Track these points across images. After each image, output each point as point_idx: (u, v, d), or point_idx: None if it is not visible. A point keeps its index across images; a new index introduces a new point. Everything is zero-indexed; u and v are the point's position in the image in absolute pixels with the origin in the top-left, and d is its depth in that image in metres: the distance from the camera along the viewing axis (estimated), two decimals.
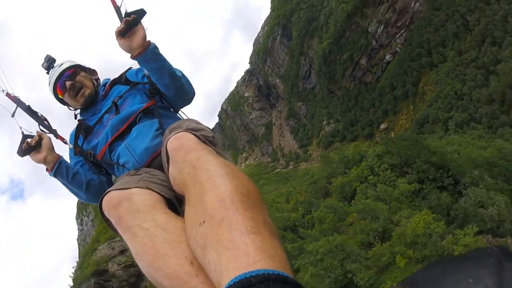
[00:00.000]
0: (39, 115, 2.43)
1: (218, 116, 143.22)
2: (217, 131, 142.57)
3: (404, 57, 71.69)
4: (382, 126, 78.01)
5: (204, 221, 1.07)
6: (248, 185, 1.18)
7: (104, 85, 2.55)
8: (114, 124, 2.17)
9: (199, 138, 1.59)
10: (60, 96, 2.53)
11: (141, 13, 2.02)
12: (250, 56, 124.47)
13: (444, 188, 22.97)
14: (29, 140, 2.23)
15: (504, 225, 19.23)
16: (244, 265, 0.87)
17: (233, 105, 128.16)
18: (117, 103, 2.29)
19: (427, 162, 23.95)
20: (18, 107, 2.35)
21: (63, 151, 2.44)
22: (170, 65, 2.15)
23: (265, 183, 78.33)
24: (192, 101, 2.38)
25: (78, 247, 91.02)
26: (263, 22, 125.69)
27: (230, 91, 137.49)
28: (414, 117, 67.12)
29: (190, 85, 2.28)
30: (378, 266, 17.43)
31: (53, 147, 2.29)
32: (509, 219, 19.39)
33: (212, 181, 1.17)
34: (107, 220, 1.56)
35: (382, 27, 74.25)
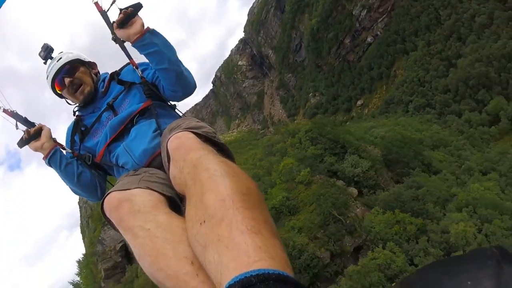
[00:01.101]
0: (36, 125, 2.37)
1: (212, 83, 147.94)
2: (211, 98, 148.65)
3: (382, 41, 78.04)
4: (359, 102, 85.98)
5: (204, 221, 1.07)
6: (248, 184, 1.18)
7: (104, 80, 2.52)
8: (113, 125, 2.18)
9: (200, 136, 1.62)
10: (58, 91, 2.48)
11: (138, 6, 2.10)
12: (245, 26, 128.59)
13: (336, 154, 35.16)
14: (30, 129, 2.26)
15: (368, 180, 32.07)
16: (244, 264, 0.87)
17: (227, 73, 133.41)
18: (113, 104, 2.30)
19: (327, 137, 36.66)
20: (17, 122, 2.35)
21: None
22: (171, 50, 2.15)
23: (251, 149, 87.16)
24: (193, 93, 2.34)
25: (80, 209, 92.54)
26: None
27: (224, 57, 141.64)
28: (385, 97, 74.99)
29: (191, 74, 2.26)
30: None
31: (51, 136, 2.30)
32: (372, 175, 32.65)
33: (213, 180, 1.18)
34: (109, 221, 1.58)
35: (365, 11, 79.81)
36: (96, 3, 2.23)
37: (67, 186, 2.41)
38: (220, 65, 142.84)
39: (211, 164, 1.27)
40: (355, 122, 72.98)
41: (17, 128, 2.35)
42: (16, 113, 2.38)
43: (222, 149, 1.70)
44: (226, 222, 1.00)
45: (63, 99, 2.55)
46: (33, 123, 2.40)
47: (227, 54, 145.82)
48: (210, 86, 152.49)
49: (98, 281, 43.67)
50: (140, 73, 2.31)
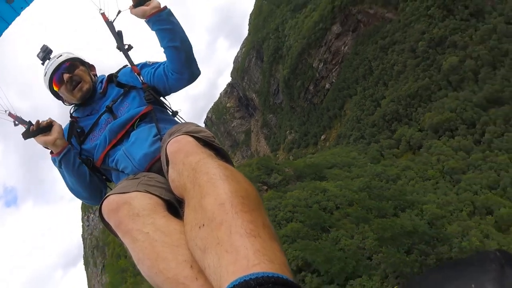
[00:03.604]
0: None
1: (204, 123, 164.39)
2: None
3: (336, 87, 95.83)
4: (322, 137, 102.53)
5: (203, 224, 1.07)
6: (247, 188, 1.18)
7: (101, 81, 2.47)
8: (113, 129, 2.15)
9: (199, 140, 1.62)
10: (55, 89, 2.40)
11: None
12: (231, 72, 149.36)
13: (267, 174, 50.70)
14: (40, 121, 2.17)
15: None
16: (243, 268, 0.86)
17: (217, 114, 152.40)
18: (112, 107, 2.26)
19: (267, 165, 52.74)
20: (19, 124, 2.35)
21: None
22: (184, 32, 2.17)
23: None
24: (196, 80, 2.31)
25: (84, 241, 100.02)
26: (243, 40, 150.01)
27: (215, 96, 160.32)
28: (338, 132, 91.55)
29: (195, 61, 2.27)
30: None
31: (63, 133, 2.23)
32: (284, 183, 45.87)
33: (212, 184, 1.17)
34: (107, 224, 1.57)
35: (322, 64, 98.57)
36: (103, 14, 2.30)
37: (70, 188, 2.30)
38: (211, 106, 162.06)
39: (210, 168, 1.28)
40: (318, 154, 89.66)
41: (15, 125, 2.32)
42: (21, 117, 2.35)
43: (220, 153, 1.73)
44: (226, 226, 1.00)
45: (60, 101, 2.53)
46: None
47: (217, 93, 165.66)
48: (202, 126, 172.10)
49: None
50: (142, 79, 2.30)
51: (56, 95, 2.50)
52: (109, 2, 2.32)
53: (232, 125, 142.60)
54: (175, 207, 1.59)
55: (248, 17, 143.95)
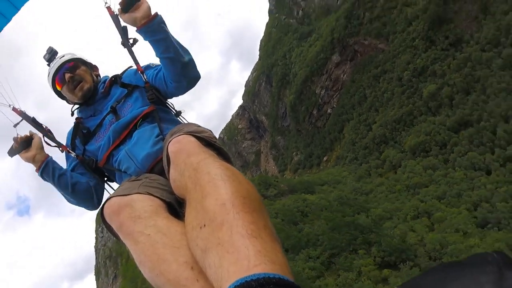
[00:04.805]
0: (44, 127, 2.40)
1: None
2: None
3: (336, 112, 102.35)
4: (325, 158, 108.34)
5: (204, 225, 1.06)
6: (249, 189, 1.17)
7: (104, 82, 2.50)
8: (116, 129, 2.17)
9: (201, 140, 1.61)
10: (58, 89, 2.46)
11: None
12: (243, 95, 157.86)
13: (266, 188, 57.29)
14: (19, 136, 2.20)
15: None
16: (244, 268, 0.86)
17: (229, 135, 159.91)
18: (116, 107, 2.29)
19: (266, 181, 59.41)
20: (24, 120, 2.33)
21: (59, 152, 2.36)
22: (176, 40, 2.08)
23: None
24: (196, 84, 2.25)
25: (96, 252, 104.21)
26: (254, 64, 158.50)
27: (227, 116, 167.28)
28: (337, 154, 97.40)
29: (195, 64, 2.21)
30: None
31: (42, 146, 2.27)
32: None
33: (213, 184, 1.16)
34: (108, 227, 1.58)
35: (324, 90, 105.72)
36: (108, 8, 2.21)
37: (64, 197, 2.33)
38: (223, 127, 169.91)
39: (212, 168, 1.28)
40: (315, 173, 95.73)
41: (14, 126, 2.28)
42: (25, 112, 2.34)
43: (222, 153, 1.74)
44: (227, 226, 0.99)
45: (64, 101, 2.57)
46: (41, 124, 2.40)
47: (230, 113, 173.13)
48: None
49: None
50: (145, 77, 2.29)
51: (59, 94, 2.55)
52: None
53: (243, 145, 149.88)
54: (175, 209, 1.61)
55: (259, 41, 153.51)
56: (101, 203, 2.25)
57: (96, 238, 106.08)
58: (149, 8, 2.01)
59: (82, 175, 2.38)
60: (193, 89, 2.31)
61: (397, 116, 75.14)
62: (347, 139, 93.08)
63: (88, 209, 2.40)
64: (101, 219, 1.63)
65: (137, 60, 2.35)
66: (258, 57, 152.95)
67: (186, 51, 2.13)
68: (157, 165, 1.94)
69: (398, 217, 44.45)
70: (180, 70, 2.10)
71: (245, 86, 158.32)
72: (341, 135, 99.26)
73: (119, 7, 2.07)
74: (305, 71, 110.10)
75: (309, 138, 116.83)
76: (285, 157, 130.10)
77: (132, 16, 2.02)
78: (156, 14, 2.00)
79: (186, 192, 1.33)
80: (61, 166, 2.33)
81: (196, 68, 2.21)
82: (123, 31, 2.25)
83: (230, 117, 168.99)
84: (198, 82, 2.28)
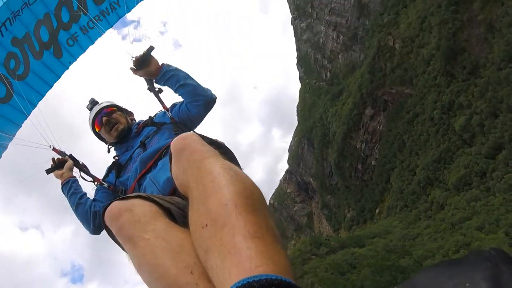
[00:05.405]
0: (80, 163, 2.78)
1: None
2: None
3: (380, 163, 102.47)
4: (377, 211, 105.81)
5: (207, 225, 1.06)
6: (252, 188, 1.16)
7: (138, 124, 2.90)
8: (143, 159, 2.38)
9: (205, 139, 1.63)
10: (97, 130, 2.84)
11: (150, 48, 2.44)
12: (288, 159, 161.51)
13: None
14: (56, 158, 2.70)
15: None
16: (246, 270, 0.85)
17: (279, 200, 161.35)
18: (145, 142, 2.57)
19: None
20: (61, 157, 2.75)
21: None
22: (184, 72, 2.50)
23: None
24: (214, 105, 2.60)
25: None
26: (294, 129, 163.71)
27: (275, 182, 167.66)
28: (388, 205, 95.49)
29: (205, 89, 2.57)
30: None
31: (72, 168, 2.73)
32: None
33: (216, 184, 1.15)
34: (109, 231, 1.58)
35: (364, 144, 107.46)
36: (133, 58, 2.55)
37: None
38: (272, 193, 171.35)
39: (215, 167, 1.26)
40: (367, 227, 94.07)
41: (47, 173, 2.77)
42: (64, 152, 2.76)
43: (225, 152, 1.73)
44: (229, 227, 0.98)
45: (103, 142, 2.94)
46: (78, 160, 2.81)
47: (277, 179, 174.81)
48: None
49: None
50: (170, 114, 2.63)
51: (98, 136, 2.93)
52: (135, 48, 2.55)
53: (294, 209, 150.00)
54: (174, 215, 1.59)
55: (296, 106, 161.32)
56: (99, 230, 2.49)
57: None
58: (157, 62, 2.46)
59: (101, 201, 2.66)
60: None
61: (436, 155, 74.67)
62: (394, 188, 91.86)
63: (88, 231, 2.62)
64: (102, 224, 1.63)
65: (162, 101, 2.72)
66: (297, 121, 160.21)
67: (194, 79, 2.56)
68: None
69: (440, 254, 43.67)
70: (193, 90, 2.48)
71: (289, 151, 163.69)
72: (389, 185, 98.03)
73: (132, 66, 2.49)
74: (343, 128, 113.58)
75: (359, 193, 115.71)
76: (337, 215, 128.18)
77: (146, 72, 2.50)
78: (162, 65, 2.45)
79: (189, 191, 1.34)
80: (78, 187, 2.69)
81: (209, 90, 2.56)
82: (150, 80, 2.63)
83: (278, 183, 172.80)
84: (215, 104, 2.60)
